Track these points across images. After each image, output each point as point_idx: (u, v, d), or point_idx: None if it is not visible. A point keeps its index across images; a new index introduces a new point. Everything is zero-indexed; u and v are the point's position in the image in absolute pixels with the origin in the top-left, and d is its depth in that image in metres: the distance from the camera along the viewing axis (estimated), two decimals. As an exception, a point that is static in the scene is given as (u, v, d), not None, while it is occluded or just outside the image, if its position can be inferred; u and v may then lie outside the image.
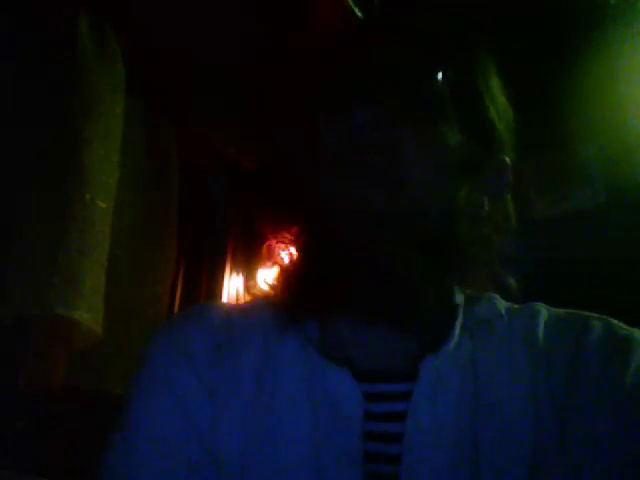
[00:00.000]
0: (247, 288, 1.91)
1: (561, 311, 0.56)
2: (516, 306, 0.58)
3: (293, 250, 0.57)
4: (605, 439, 0.45)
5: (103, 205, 1.22)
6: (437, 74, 0.53)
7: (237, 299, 1.87)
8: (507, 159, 0.57)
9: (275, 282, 0.58)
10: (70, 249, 1.13)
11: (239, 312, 0.59)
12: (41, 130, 1.17)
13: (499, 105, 0.57)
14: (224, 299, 1.82)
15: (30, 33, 1.20)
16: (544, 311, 0.56)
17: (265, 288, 0.63)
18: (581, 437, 0.46)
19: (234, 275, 1.88)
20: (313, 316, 0.55)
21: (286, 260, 0.58)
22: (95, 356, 1.28)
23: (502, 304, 0.57)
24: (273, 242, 0.61)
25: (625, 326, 0.52)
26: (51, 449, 1.14)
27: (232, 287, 1.86)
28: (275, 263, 0.59)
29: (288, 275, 0.56)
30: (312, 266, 0.53)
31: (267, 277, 1.90)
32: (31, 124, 1.17)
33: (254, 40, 1.39)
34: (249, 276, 1.91)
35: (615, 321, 0.53)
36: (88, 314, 1.14)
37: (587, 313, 0.54)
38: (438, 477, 0.46)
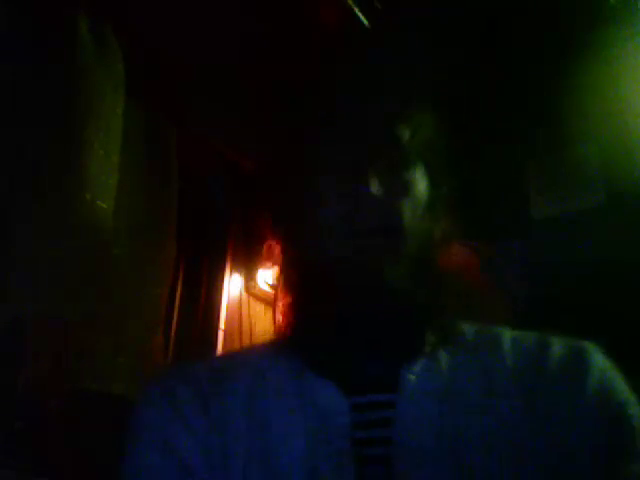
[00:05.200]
0: (247, 288, 1.91)
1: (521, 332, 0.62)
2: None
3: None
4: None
5: (103, 205, 1.22)
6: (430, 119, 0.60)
7: (237, 299, 1.87)
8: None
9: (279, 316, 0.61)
10: (70, 249, 1.13)
11: (225, 360, 0.66)
12: (41, 130, 1.17)
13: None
14: (224, 299, 1.81)
15: (30, 33, 1.20)
16: (507, 332, 0.61)
17: (265, 288, 0.65)
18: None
19: (234, 275, 1.88)
20: (308, 342, 0.58)
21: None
22: (95, 356, 1.28)
23: (467, 325, 0.63)
24: (273, 242, 0.62)
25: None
26: (51, 449, 1.13)
27: (232, 287, 1.86)
28: (275, 263, 0.60)
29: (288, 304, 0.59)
30: (308, 301, 0.57)
31: (267, 277, 1.90)
32: (31, 124, 1.17)
33: (254, 40, 1.39)
34: (249, 276, 1.91)
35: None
36: (87, 314, 1.14)
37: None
38: (424, 467, 0.52)
